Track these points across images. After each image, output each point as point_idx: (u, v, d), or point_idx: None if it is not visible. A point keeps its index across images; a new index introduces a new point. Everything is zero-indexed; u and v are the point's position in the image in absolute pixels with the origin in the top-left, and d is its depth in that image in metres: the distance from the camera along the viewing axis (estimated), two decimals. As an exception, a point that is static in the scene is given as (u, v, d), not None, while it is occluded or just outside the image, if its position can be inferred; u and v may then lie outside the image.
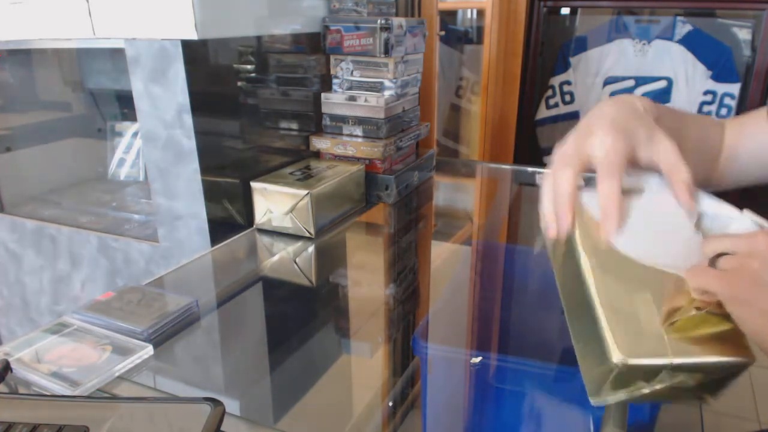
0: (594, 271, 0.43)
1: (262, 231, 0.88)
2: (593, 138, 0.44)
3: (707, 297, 0.40)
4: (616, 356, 0.40)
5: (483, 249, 0.87)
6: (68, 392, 0.48)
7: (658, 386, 0.41)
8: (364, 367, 0.58)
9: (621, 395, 0.41)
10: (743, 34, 1.69)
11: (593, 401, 0.42)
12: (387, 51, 0.96)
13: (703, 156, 0.61)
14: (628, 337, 0.40)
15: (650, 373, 0.40)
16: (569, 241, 0.46)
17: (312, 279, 0.77)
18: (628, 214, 0.45)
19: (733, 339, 0.40)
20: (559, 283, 0.53)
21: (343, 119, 1.00)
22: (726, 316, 0.40)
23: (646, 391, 0.41)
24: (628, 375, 0.41)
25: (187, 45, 0.73)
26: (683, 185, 0.44)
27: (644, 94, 1.80)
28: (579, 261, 0.44)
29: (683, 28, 1.72)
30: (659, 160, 0.44)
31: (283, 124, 0.96)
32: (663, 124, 0.48)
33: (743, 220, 0.44)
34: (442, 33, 1.89)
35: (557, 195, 0.45)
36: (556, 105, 1.91)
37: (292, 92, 0.96)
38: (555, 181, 0.45)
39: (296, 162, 0.98)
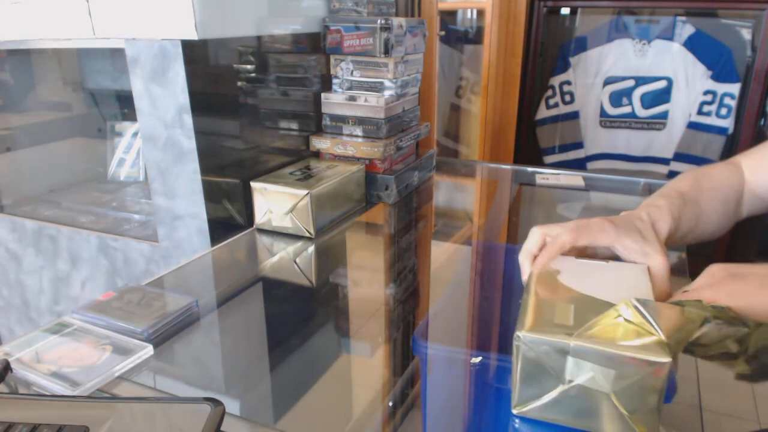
0: (535, 289, 0.50)
1: (262, 231, 0.88)
2: (558, 230, 0.56)
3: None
4: (518, 332, 0.44)
5: (483, 249, 0.87)
6: (68, 392, 0.48)
7: (571, 384, 0.42)
8: (364, 367, 0.58)
9: (538, 402, 0.44)
10: (743, 35, 1.69)
11: (515, 410, 0.45)
12: (387, 51, 0.96)
13: (728, 211, 0.67)
14: (535, 324, 0.44)
15: (554, 356, 0.42)
16: (530, 281, 0.54)
17: (312, 279, 0.77)
18: (586, 270, 0.53)
19: (648, 346, 0.40)
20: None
21: (343, 119, 1.00)
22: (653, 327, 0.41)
23: (560, 391, 0.43)
24: (535, 361, 0.43)
25: (187, 45, 0.73)
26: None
27: (644, 94, 1.80)
28: (530, 287, 0.51)
29: (683, 29, 1.72)
30: (652, 272, 0.54)
31: (283, 124, 0.96)
32: (683, 214, 0.60)
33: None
34: (442, 33, 1.89)
35: (525, 250, 0.58)
36: (556, 105, 1.91)
37: (292, 92, 0.96)
38: (527, 242, 0.58)
39: (296, 162, 0.98)
